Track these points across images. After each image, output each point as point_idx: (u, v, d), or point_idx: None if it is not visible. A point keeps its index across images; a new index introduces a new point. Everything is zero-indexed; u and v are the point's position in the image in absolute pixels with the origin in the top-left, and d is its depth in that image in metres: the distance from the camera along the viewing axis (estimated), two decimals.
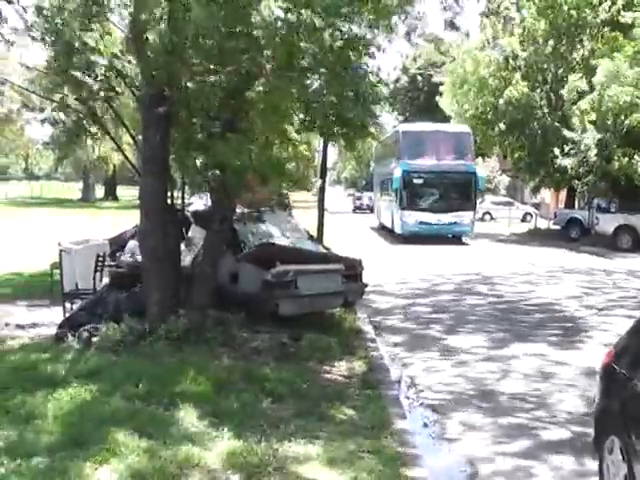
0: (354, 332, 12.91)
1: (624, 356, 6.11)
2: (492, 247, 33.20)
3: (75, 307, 12.18)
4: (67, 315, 11.95)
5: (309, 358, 10.60)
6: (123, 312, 10.86)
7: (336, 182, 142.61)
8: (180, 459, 6.47)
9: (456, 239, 34.69)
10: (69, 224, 32.12)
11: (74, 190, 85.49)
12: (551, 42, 36.86)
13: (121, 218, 27.96)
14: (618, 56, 32.10)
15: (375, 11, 10.60)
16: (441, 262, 25.63)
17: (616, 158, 32.27)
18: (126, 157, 15.23)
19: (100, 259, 12.83)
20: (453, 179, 34.78)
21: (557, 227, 38.64)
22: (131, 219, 16.57)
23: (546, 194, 52.95)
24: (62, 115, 14.09)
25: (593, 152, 33.24)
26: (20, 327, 12.09)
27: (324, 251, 15.05)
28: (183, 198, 13.54)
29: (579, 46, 37.21)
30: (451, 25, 13.04)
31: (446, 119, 45.47)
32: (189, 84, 10.56)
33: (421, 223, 34.11)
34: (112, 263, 13.16)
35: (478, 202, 38.98)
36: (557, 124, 36.12)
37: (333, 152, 74.91)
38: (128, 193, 70.47)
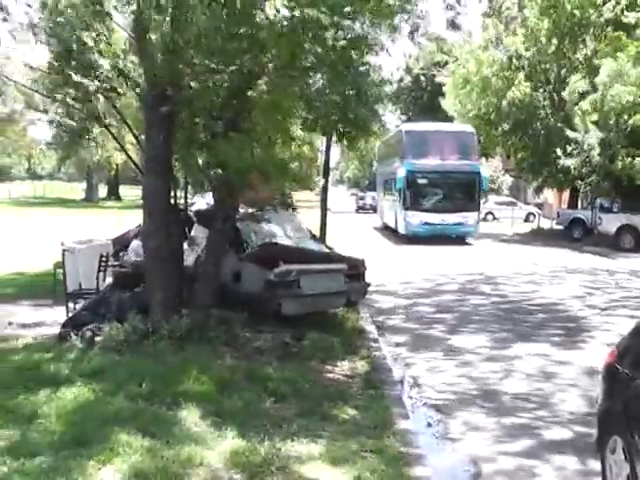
0: (357, 332, 12.91)
1: (627, 356, 6.11)
2: (495, 247, 33.16)
3: (78, 307, 12.19)
4: (70, 315, 11.96)
5: (312, 358, 10.61)
6: (126, 312, 10.87)
7: (339, 182, 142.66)
8: (183, 459, 6.47)
9: (459, 239, 34.43)
10: (72, 224, 32.17)
11: (77, 190, 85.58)
12: (554, 41, 36.75)
13: (124, 218, 27.96)
14: (621, 56, 32.07)
15: (376, 10, 10.59)
16: (444, 262, 25.62)
17: (620, 158, 32.25)
18: (129, 157, 15.22)
19: (103, 259, 12.85)
20: (457, 179, 34.50)
21: (560, 227, 38.61)
22: (134, 219, 16.59)
23: (549, 194, 52.98)
24: (65, 115, 14.11)
25: (596, 152, 33.20)
26: (23, 326, 12.12)
27: (327, 251, 15.05)
28: (186, 198, 13.56)
29: (582, 46, 37.14)
30: (452, 25, 13.00)
31: (449, 119, 45.41)
32: (192, 84, 10.57)
33: (425, 223, 33.75)
34: (115, 263, 13.18)
35: (482, 202, 38.68)
36: (560, 124, 36.05)
37: (336, 152, 74.91)
38: (131, 193, 70.61)
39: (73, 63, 12.08)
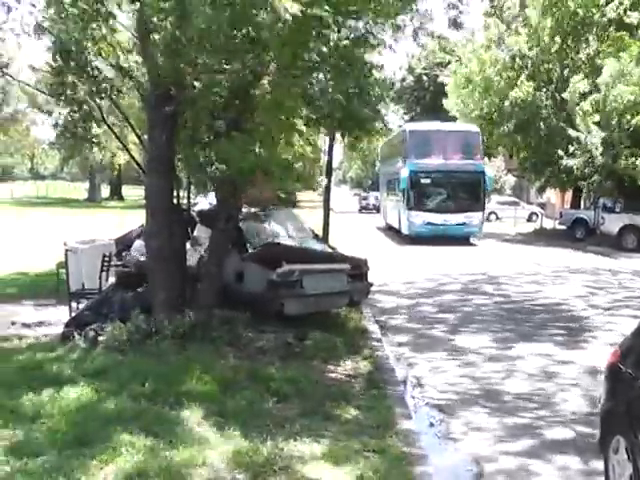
0: (359, 332, 12.91)
1: (630, 356, 6.11)
2: (498, 247, 33.10)
3: (81, 307, 12.20)
4: (73, 315, 11.97)
5: (314, 357, 10.61)
6: (129, 312, 10.88)
7: (342, 182, 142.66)
8: (186, 458, 6.48)
9: (463, 239, 34.02)
10: (75, 224, 32.22)
11: (80, 190, 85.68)
12: (557, 39, 36.65)
13: (127, 218, 28.00)
14: (624, 56, 32.05)
15: (379, 10, 10.60)
16: (447, 262, 25.61)
17: (623, 157, 32.22)
18: (132, 157, 15.25)
19: (106, 259, 12.87)
20: (461, 179, 34.13)
21: (563, 227, 38.54)
22: (137, 219, 16.61)
23: (552, 194, 52.94)
24: (68, 117, 14.12)
25: (599, 152, 33.16)
26: (26, 326, 12.14)
27: (330, 251, 15.06)
28: (189, 198, 13.57)
29: (585, 45, 37.09)
30: (455, 24, 13.00)
31: (452, 119, 45.32)
32: (195, 83, 10.58)
33: (428, 224, 33.42)
34: (118, 263, 13.20)
35: (486, 202, 38.11)
36: (562, 124, 36.01)
37: (339, 152, 74.98)
38: (134, 193, 70.63)
39: (72, 64, 12.11)
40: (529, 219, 51.62)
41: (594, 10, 35.50)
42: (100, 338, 10.41)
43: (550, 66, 38.23)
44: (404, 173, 33.98)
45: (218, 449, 6.82)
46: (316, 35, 9.89)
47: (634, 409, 5.64)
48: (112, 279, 12.62)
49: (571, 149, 34.50)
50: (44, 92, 15.37)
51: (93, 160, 66.27)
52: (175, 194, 11.82)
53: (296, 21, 8.69)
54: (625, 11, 34.41)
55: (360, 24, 11.43)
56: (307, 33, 9.69)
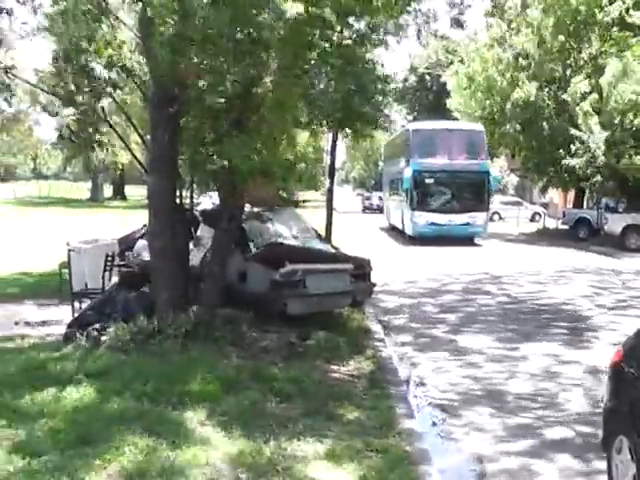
0: (362, 331, 12.91)
1: (633, 355, 6.10)
2: (501, 247, 33.04)
3: (84, 306, 12.21)
4: (76, 314, 11.98)
5: (317, 357, 10.61)
6: (132, 311, 10.88)
7: (344, 182, 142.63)
8: (188, 458, 6.48)
9: (467, 240, 33.70)
10: (77, 224, 32.26)
11: (83, 190, 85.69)
12: (561, 38, 36.54)
13: (129, 218, 28.02)
14: (627, 55, 32.01)
15: (380, 9, 10.59)
16: (450, 262, 25.59)
17: (627, 157, 32.17)
18: (134, 156, 15.25)
19: (109, 259, 12.88)
20: (466, 178, 33.71)
21: (565, 227, 38.50)
22: (139, 219, 16.62)
23: (555, 194, 52.84)
24: (70, 120, 14.15)
25: (601, 151, 33.11)
26: (29, 326, 12.17)
27: (333, 251, 15.06)
28: (192, 197, 13.56)
29: (587, 45, 37.02)
30: (457, 23, 13.02)
31: (455, 119, 45.26)
32: (199, 83, 10.58)
33: (432, 224, 33.11)
34: (121, 263, 13.20)
35: (491, 202, 37.77)
36: (564, 124, 35.94)
37: (341, 152, 75.04)
38: (136, 192, 70.59)
39: (74, 64, 12.12)
40: (532, 219, 51.59)
41: (596, 10, 35.43)
42: (103, 338, 10.41)
43: (552, 66, 38.17)
44: (408, 173, 33.82)
45: (221, 449, 6.82)
46: (318, 35, 9.89)
47: (637, 409, 5.64)
48: (115, 279, 12.63)
49: (573, 149, 34.47)
50: (46, 91, 15.37)
51: (96, 160, 66.30)
52: (178, 194, 11.82)
53: (298, 21, 8.71)
54: (627, 10, 34.35)
55: (362, 24, 11.44)
56: (309, 33, 9.70)
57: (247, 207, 13.36)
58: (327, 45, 10.21)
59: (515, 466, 7.21)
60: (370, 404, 8.65)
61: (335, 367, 10.40)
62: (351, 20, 10.98)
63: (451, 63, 51.64)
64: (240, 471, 6.40)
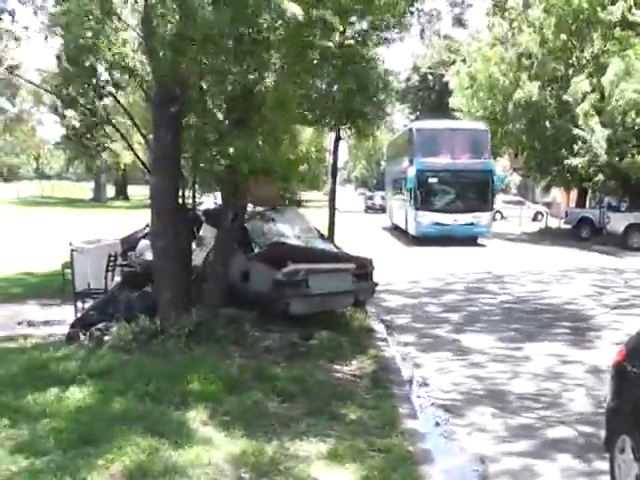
0: (365, 331, 12.91)
1: (635, 355, 6.09)
2: (503, 246, 33.00)
3: (87, 306, 12.22)
4: (79, 314, 11.99)
5: (320, 357, 10.60)
6: (135, 311, 10.88)
7: (346, 181, 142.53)
8: (191, 458, 6.48)
9: (471, 240, 33.44)
10: (80, 224, 32.27)
11: (85, 190, 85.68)
12: (563, 37, 36.47)
13: (132, 218, 28.01)
14: (629, 53, 31.98)
15: (381, 9, 10.60)
16: (453, 261, 25.61)
17: (629, 156, 32.13)
18: (137, 156, 15.25)
19: (112, 259, 12.89)
20: (470, 178, 33.50)
21: (568, 226, 38.45)
22: (142, 218, 16.62)
23: (557, 193, 52.84)
24: (73, 122, 14.20)
25: (603, 150, 33.06)
26: (32, 326, 12.17)
27: (335, 250, 15.05)
28: (194, 197, 13.56)
29: (589, 44, 36.97)
30: (459, 22, 13.03)
31: (458, 118, 45.20)
32: (200, 83, 10.58)
33: (436, 224, 32.85)
34: (124, 262, 13.20)
35: (495, 202, 37.55)
36: (567, 123, 35.89)
37: (344, 151, 74.96)
38: (139, 192, 70.63)
39: (76, 64, 12.13)
40: (534, 218, 51.49)
41: (599, 9, 35.38)
42: (106, 338, 10.42)
43: (555, 65, 38.11)
44: (411, 172, 33.65)
45: (223, 449, 6.81)
46: (319, 35, 9.88)
47: None
48: (118, 279, 12.63)
49: (576, 148, 34.43)
50: (50, 91, 15.40)
51: (98, 160, 66.35)
52: (180, 194, 11.82)
53: (299, 22, 8.70)
54: (630, 9, 34.30)
55: (364, 24, 11.43)
56: (310, 34, 9.69)
57: (250, 207, 13.37)
58: (328, 45, 10.18)
59: (517, 466, 7.21)
60: (373, 404, 8.65)
61: (338, 367, 10.40)
62: (353, 19, 10.96)
63: (453, 62, 51.59)
64: (242, 471, 6.40)
